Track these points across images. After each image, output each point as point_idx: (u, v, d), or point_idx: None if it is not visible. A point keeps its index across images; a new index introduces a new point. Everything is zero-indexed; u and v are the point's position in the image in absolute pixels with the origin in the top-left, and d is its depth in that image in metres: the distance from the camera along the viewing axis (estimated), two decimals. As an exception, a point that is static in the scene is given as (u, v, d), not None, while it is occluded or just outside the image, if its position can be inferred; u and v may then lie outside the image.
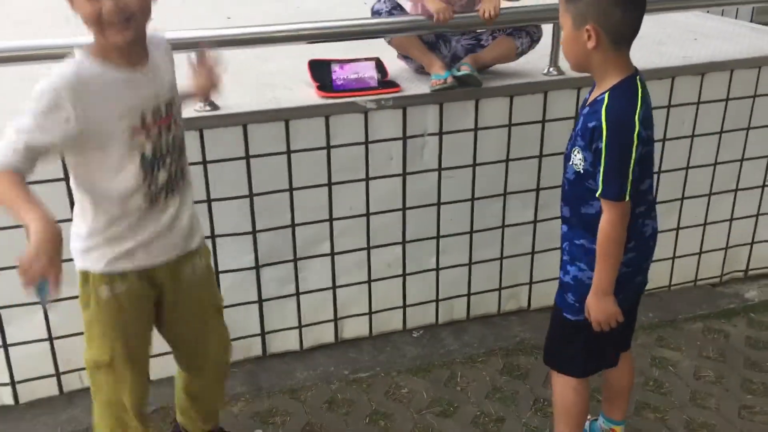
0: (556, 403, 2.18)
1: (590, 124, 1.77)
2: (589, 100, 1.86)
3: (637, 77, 1.81)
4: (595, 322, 1.93)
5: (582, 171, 1.84)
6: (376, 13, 2.73)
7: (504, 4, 2.68)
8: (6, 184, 1.51)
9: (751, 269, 3.43)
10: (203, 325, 2.06)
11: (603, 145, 1.74)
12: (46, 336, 2.52)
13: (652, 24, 3.57)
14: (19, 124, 1.57)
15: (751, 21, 5.94)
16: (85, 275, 1.83)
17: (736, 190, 3.24)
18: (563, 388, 2.12)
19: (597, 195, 1.80)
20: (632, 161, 1.74)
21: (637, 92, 1.78)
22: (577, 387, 2.10)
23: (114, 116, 1.67)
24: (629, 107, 1.75)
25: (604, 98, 1.77)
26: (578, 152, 1.84)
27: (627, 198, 1.77)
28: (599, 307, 1.90)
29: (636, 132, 1.73)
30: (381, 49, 2.85)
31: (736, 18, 5.72)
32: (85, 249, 1.80)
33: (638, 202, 1.85)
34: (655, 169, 3.04)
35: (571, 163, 1.88)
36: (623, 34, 1.76)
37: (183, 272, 1.94)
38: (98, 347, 1.88)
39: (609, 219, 1.81)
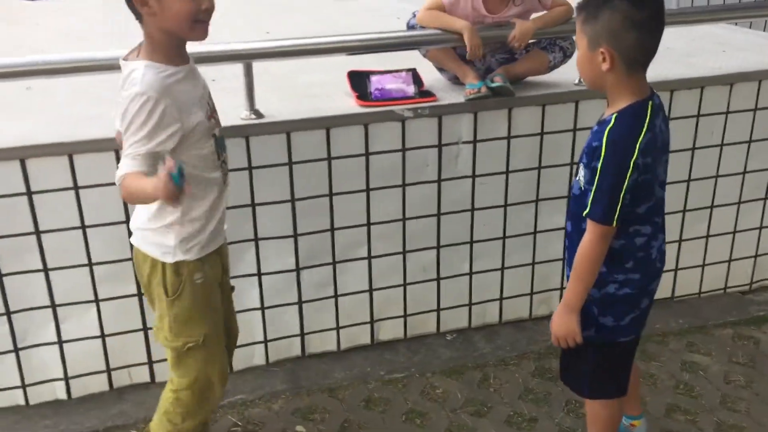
0: (587, 414, 2.19)
1: (594, 144, 1.79)
2: (601, 119, 1.87)
3: (650, 102, 1.81)
4: (553, 336, 1.96)
5: (583, 188, 1.85)
6: (411, 28, 2.84)
7: (538, 14, 2.78)
8: (133, 180, 1.74)
9: (781, 277, 3.47)
10: (230, 305, 2.25)
11: (599, 165, 1.75)
12: (98, 333, 2.64)
13: (681, 36, 3.66)
14: (134, 142, 1.74)
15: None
16: (178, 267, 1.94)
17: (765, 199, 3.28)
18: (589, 405, 2.15)
19: (584, 214, 1.82)
20: (624, 187, 1.74)
21: (644, 118, 1.77)
22: (603, 403, 2.10)
23: (196, 107, 1.85)
24: (632, 133, 1.75)
25: (611, 120, 1.78)
26: (582, 169, 1.86)
27: (614, 223, 1.78)
28: (561, 322, 1.93)
29: (633, 159, 1.73)
30: (416, 62, 2.96)
31: (765, 30, 5.76)
32: (180, 241, 1.91)
33: (635, 223, 1.85)
34: (684, 177, 3.11)
35: (577, 178, 1.90)
36: (637, 58, 1.77)
37: (225, 253, 2.14)
38: (191, 331, 2.00)
39: (589, 239, 1.83)
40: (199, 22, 1.78)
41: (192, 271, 1.96)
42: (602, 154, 1.75)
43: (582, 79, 1.91)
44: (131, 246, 2.03)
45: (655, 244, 1.94)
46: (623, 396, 2.11)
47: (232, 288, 2.24)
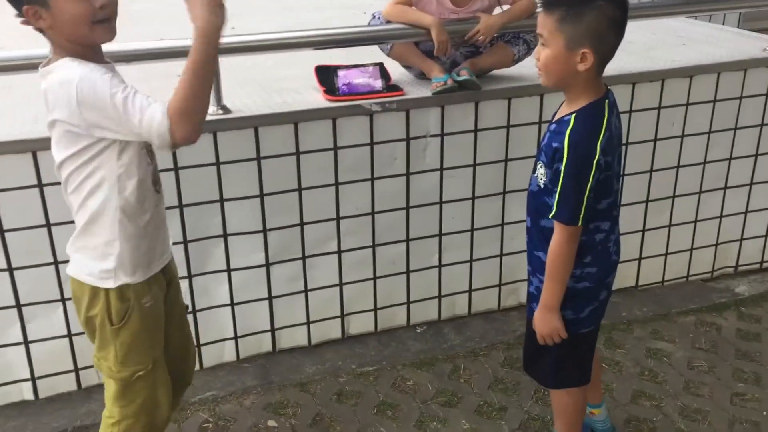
0: (553, 403, 2.24)
1: (554, 144, 1.80)
2: (557, 116, 1.88)
3: (606, 100, 1.83)
4: (539, 336, 1.99)
5: (542, 186, 1.88)
6: None
7: (502, 8, 2.81)
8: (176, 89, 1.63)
9: (741, 265, 3.56)
10: (186, 327, 2.12)
11: (562, 168, 1.77)
12: (65, 333, 2.61)
13: (641, 29, 3.73)
14: (123, 98, 1.59)
15: (738, 27, 6.11)
16: (123, 291, 1.79)
17: (725, 188, 3.36)
18: (554, 395, 2.19)
19: (550, 216, 1.84)
20: (588, 188, 1.77)
21: (603, 117, 1.79)
22: (569, 391, 2.14)
23: None
24: (592, 133, 1.77)
25: (570, 120, 1.79)
26: (541, 167, 1.87)
27: (579, 223, 1.81)
28: (544, 322, 1.96)
29: (596, 159, 1.75)
30: (381, 58, 2.96)
31: (723, 24, 5.88)
32: (120, 263, 1.77)
33: (596, 219, 1.88)
34: (647, 168, 3.17)
35: (535, 175, 1.92)
36: (608, 58, 1.80)
37: (172, 270, 2.01)
38: (139, 358, 1.87)
39: (558, 239, 1.85)
40: (99, 23, 1.65)
41: (140, 295, 1.82)
42: (564, 156, 1.77)
43: (543, 77, 1.84)
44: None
45: (613, 237, 1.98)
46: (587, 384, 2.15)
47: (186, 307, 2.12)
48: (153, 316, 1.88)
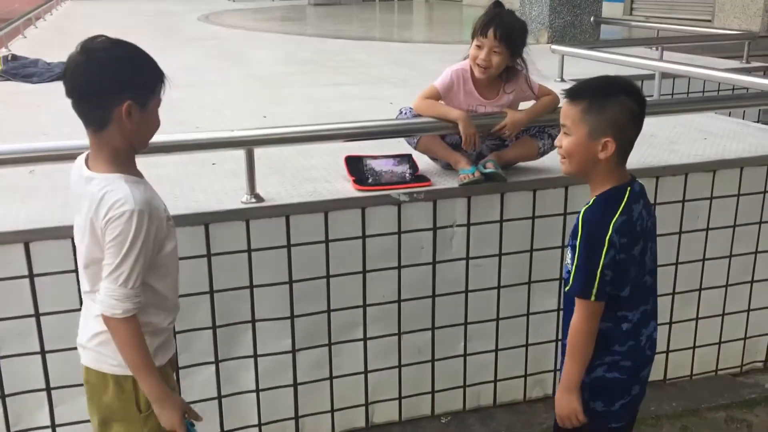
0: None
1: (576, 225, 1.88)
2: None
3: (629, 187, 1.89)
4: (558, 417, 1.98)
5: (569, 270, 1.90)
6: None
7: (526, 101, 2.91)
8: (139, 336, 1.78)
9: (771, 359, 3.51)
10: None
11: (577, 242, 1.84)
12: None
13: (664, 123, 3.81)
14: (133, 261, 1.72)
15: (758, 121, 6.20)
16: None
17: (752, 282, 3.35)
18: None
19: (566, 289, 1.88)
20: (601, 263, 1.80)
21: (621, 200, 1.85)
22: None
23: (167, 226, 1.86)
24: (607, 212, 1.83)
25: (589, 202, 1.88)
26: (568, 252, 1.92)
27: (593, 298, 1.83)
28: (562, 403, 1.94)
29: (608, 235, 1.80)
30: (409, 150, 3.04)
31: (743, 118, 5.97)
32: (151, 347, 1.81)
33: (621, 308, 1.90)
34: (672, 260, 3.18)
35: (566, 262, 1.95)
36: (629, 149, 1.89)
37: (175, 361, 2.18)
38: None
39: (577, 317, 1.88)
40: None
41: (165, 379, 1.86)
42: (579, 231, 1.84)
43: (566, 164, 1.92)
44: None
45: (645, 332, 1.98)
46: None
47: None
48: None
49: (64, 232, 2.42)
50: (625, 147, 1.87)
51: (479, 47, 2.74)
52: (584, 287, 1.84)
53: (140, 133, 1.78)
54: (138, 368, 1.77)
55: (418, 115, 2.87)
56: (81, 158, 1.83)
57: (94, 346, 1.84)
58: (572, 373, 1.92)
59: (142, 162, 1.87)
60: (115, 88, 1.69)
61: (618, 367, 1.95)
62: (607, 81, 1.92)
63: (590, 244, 1.82)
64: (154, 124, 1.81)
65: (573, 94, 1.89)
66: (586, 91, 1.89)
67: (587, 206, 1.87)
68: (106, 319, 1.74)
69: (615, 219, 1.82)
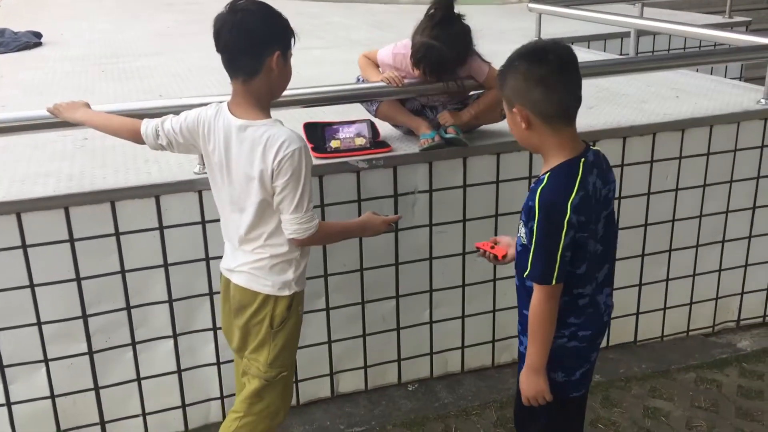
0: None
1: (530, 203, 1.80)
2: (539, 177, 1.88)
3: (582, 159, 1.80)
4: (524, 397, 1.94)
5: (525, 244, 1.85)
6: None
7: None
8: (331, 225, 2.30)
9: (743, 319, 3.48)
10: None
11: (534, 226, 1.77)
12: (48, 394, 2.58)
13: (638, 82, 3.74)
14: (305, 193, 1.97)
15: (741, 76, 6.12)
16: (292, 299, 2.09)
17: (723, 242, 3.31)
18: None
19: (525, 275, 1.83)
20: (560, 246, 1.75)
21: (576, 177, 1.77)
22: None
23: None
24: (563, 193, 1.75)
25: (544, 179, 1.80)
26: (522, 226, 1.87)
27: (554, 282, 1.78)
28: (529, 384, 1.91)
29: (566, 218, 1.73)
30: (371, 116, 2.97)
31: (725, 75, 5.89)
32: (298, 274, 2.09)
33: (576, 285, 1.86)
34: (641, 222, 3.13)
35: (519, 234, 1.91)
36: (551, 112, 1.77)
37: None
38: (285, 360, 2.14)
39: (537, 299, 1.83)
40: None
41: (299, 302, 2.13)
42: (536, 215, 1.76)
43: (518, 141, 1.92)
44: (229, 285, 2.13)
45: (600, 299, 1.94)
46: None
47: None
48: (300, 324, 2.18)
49: (8, 208, 2.38)
50: (542, 112, 1.77)
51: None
52: (544, 274, 1.79)
53: (281, 81, 2.01)
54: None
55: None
56: (219, 108, 2.02)
57: (249, 269, 2.06)
58: (537, 354, 1.88)
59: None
60: (268, 40, 1.92)
61: (578, 336, 1.92)
62: (514, 51, 1.84)
63: (549, 228, 1.75)
64: (290, 74, 2.04)
65: (497, 77, 1.89)
66: (500, 70, 1.87)
67: (542, 186, 1.78)
68: (306, 241, 2.02)
69: (572, 198, 1.74)
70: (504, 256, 2.12)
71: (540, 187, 1.77)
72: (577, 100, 1.80)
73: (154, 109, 2.41)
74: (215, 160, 2.04)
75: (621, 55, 5.44)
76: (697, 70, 4.36)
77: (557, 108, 1.78)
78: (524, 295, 1.94)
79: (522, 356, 2.00)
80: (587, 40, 5.48)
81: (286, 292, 2.07)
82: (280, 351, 2.11)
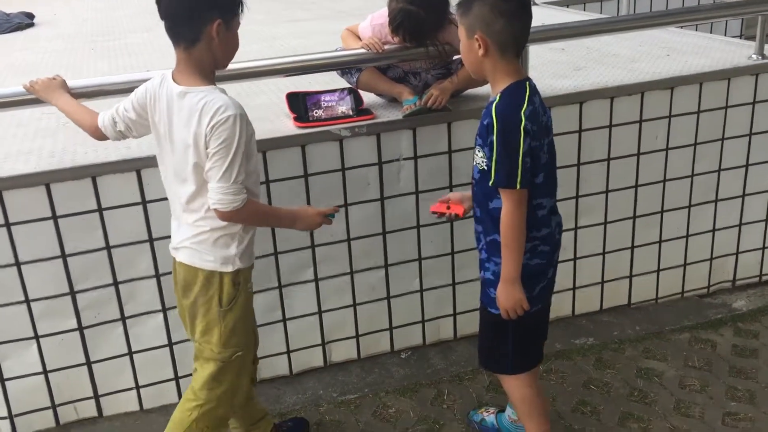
0: (515, 405, 2.28)
1: (485, 122, 1.95)
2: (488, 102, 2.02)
3: (527, 82, 1.98)
4: (503, 310, 2.05)
5: (485, 168, 1.98)
6: None
7: None
8: (261, 206, 2.16)
9: (739, 279, 3.45)
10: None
11: (494, 137, 1.90)
12: (41, 370, 2.61)
13: (629, 41, 3.68)
14: (238, 163, 1.89)
15: (741, 34, 6.02)
16: (236, 276, 2.04)
17: (716, 201, 3.28)
18: (514, 388, 2.22)
19: (490, 183, 1.93)
20: (521, 150, 1.89)
21: (525, 92, 1.95)
22: (525, 381, 2.20)
23: None
24: (517, 103, 1.92)
25: (496, 98, 1.95)
26: (479, 151, 2.00)
27: (518, 186, 1.91)
28: (507, 295, 2.02)
29: (522, 125, 1.89)
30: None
31: (725, 33, 5.80)
32: (242, 249, 2.03)
33: (536, 195, 1.99)
34: (631, 183, 3.10)
35: (474, 163, 2.04)
36: (507, 42, 1.94)
37: None
38: (239, 339, 2.09)
39: (506, 208, 1.96)
40: None
41: (246, 279, 2.08)
42: (494, 126, 1.90)
43: (467, 67, 2.08)
44: (175, 263, 2.09)
45: (554, 219, 2.11)
46: (541, 361, 2.27)
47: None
48: (250, 301, 2.14)
49: (-11, 187, 2.39)
50: (500, 41, 1.93)
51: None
52: (509, 177, 1.90)
53: (225, 51, 1.96)
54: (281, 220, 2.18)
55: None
56: (163, 77, 1.98)
57: (190, 243, 2.02)
58: (512, 265, 1.99)
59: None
60: (206, 8, 1.88)
61: (538, 252, 2.05)
62: None
63: (508, 134, 1.89)
64: (236, 44, 1.99)
65: (458, 4, 2.02)
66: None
67: (496, 102, 1.93)
68: (229, 215, 1.93)
69: (524, 108, 1.90)
70: (465, 212, 2.23)
71: (494, 104, 1.93)
72: (526, 38, 2.01)
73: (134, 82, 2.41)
74: (162, 131, 1.99)
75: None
76: (696, 29, 4.29)
77: (513, 39, 1.95)
78: (489, 221, 2.07)
79: (489, 282, 2.13)
80: (582, 2, 5.41)
81: (230, 268, 2.02)
82: (232, 331, 2.07)
